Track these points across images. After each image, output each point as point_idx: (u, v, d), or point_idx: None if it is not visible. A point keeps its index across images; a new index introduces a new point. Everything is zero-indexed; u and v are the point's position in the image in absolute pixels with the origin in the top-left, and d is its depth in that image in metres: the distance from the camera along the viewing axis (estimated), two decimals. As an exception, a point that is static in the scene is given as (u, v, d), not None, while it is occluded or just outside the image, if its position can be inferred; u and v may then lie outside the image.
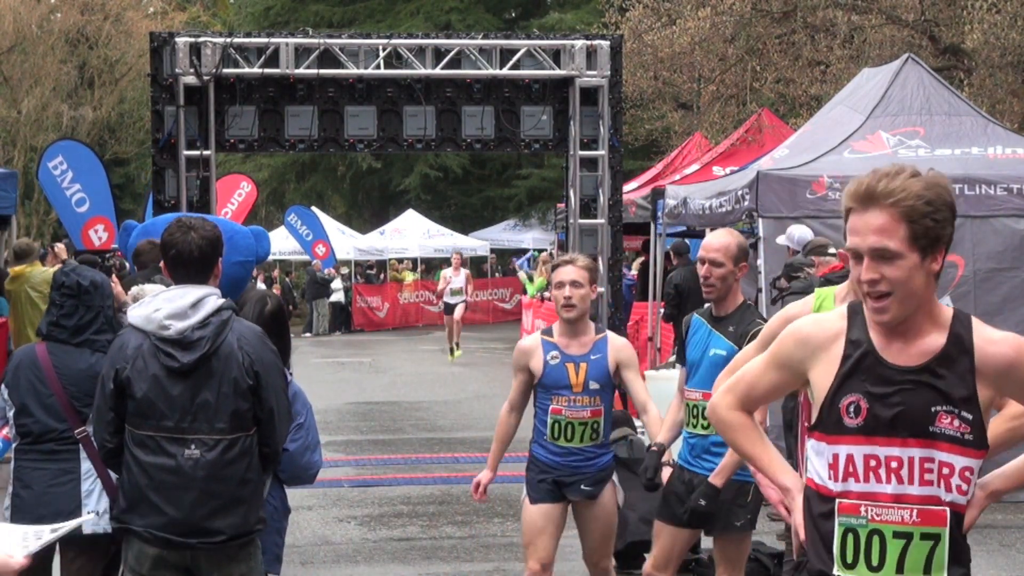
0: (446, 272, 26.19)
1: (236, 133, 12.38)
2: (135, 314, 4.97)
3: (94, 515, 5.75)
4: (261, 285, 32.16)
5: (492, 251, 40.35)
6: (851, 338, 3.33)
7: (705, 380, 6.11)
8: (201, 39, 12.20)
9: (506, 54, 12.44)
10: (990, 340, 3.29)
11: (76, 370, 5.76)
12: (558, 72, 12.37)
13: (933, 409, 3.25)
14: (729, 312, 6.29)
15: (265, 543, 5.27)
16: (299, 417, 5.35)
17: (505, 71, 12.36)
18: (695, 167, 18.18)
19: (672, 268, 16.08)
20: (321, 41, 12.39)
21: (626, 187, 16.56)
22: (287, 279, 38.50)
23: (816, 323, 3.43)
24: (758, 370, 3.57)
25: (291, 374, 5.39)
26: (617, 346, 6.56)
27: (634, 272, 19.63)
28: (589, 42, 12.50)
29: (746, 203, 11.54)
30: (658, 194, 15.19)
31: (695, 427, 6.28)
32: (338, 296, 34.58)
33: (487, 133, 12.54)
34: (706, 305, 6.44)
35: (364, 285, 36.56)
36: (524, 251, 38.39)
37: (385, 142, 12.63)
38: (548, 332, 6.61)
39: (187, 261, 4.97)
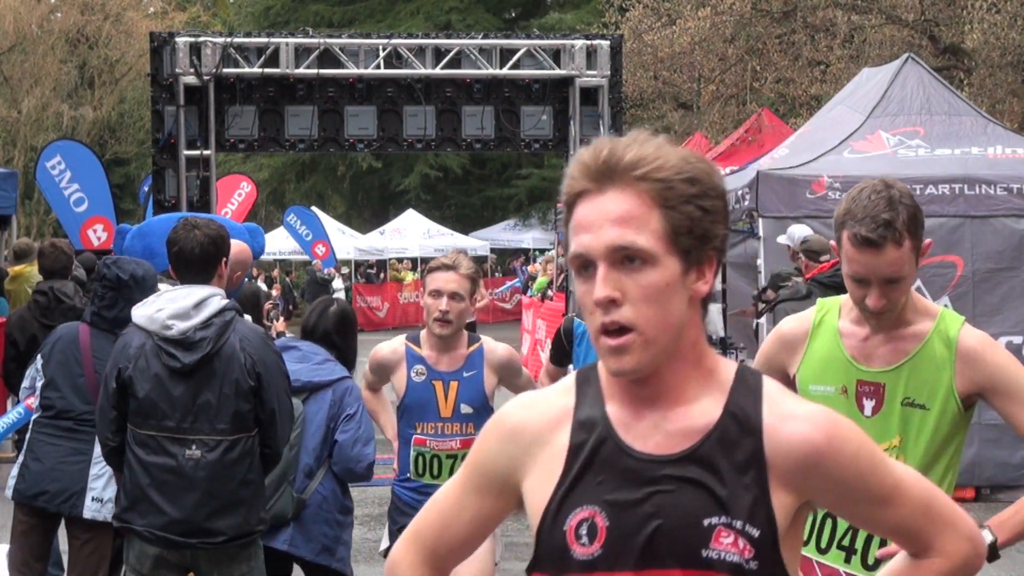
0: None
1: (236, 133, 12.39)
2: (138, 313, 4.98)
3: (97, 503, 5.81)
4: (262, 285, 32.18)
5: (492, 251, 40.36)
6: (580, 419, 2.15)
7: None
8: (201, 39, 12.21)
9: (506, 54, 12.45)
10: (787, 416, 2.11)
11: (107, 353, 5.81)
12: (558, 72, 12.38)
13: (706, 522, 2.06)
14: None
15: (312, 532, 5.31)
16: (349, 408, 5.57)
17: (505, 71, 12.37)
18: (695, 167, 18.13)
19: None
20: (321, 41, 12.40)
21: (626, 187, 16.52)
22: (287, 279, 38.51)
23: (530, 406, 2.24)
24: (449, 500, 2.30)
25: (351, 374, 5.68)
26: (496, 357, 5.52)
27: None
28: (589, 42, 12.50)
29: (746, 203, 11.55)
30: (658, 194, 15.16)
31: None
32: (338, 296, 34.58)
33: (487, 133, 12.55)
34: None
35: (364, 285, 36.58)
36: (524, 251, 38.43)
37: (385, 142, 12.64)
38: (415, 339, 5.52)
39: (189, 259, 4.97)
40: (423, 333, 5.48)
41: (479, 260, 40.16)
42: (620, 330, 2.03)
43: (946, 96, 12.44)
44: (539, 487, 2.15)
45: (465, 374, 5.46)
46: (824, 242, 10.11)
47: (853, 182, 11.62)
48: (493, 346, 5.55)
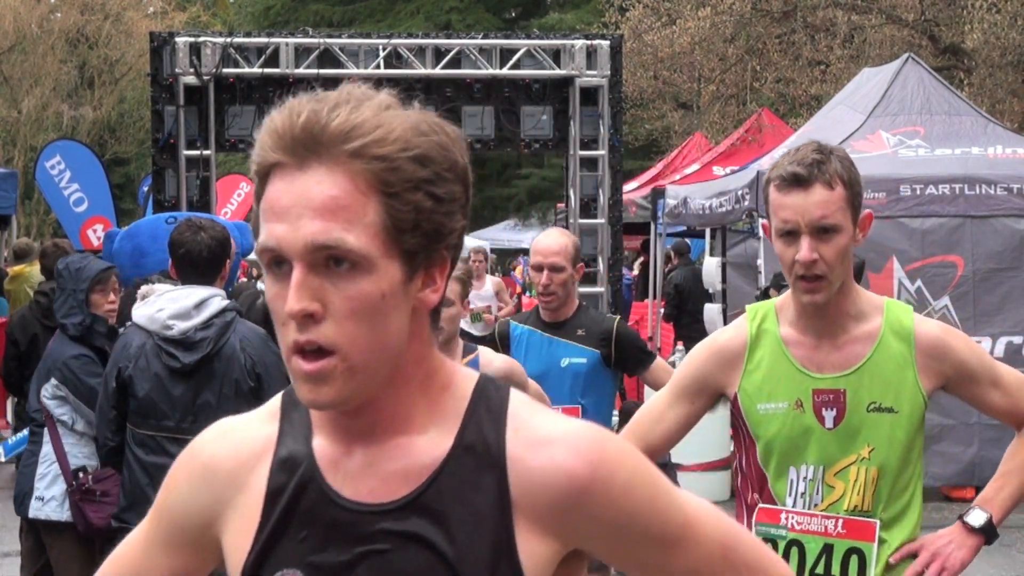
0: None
1: (236, 133, 12.38)
2: (139, 313, 4.98)
3: (39, 501, 5.82)
4: (261, 285, 32.14)
5: (492, 251, 40.33)
6: (281, 456, 1.70)
7: (559, 394, 5.41)
8: (201, 39, 12.21)
9: (506, 54, 12.45)
10: (538, 440, 1.63)
11: (43, 354, 5.93)
12: (558, 72, 12.38)
13: None
14: (569, 316, 5.56)
15: None
16: None
17: (505, 71, 12.37)
18: (695, 167, 18.17)
19: (672, 268, 16.08)
20: (321, 41, 12.40)
21: (626, 187, 16.55)
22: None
23: (225, 436, 1.77)
24: (133, 556, 1.84)
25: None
26: (493, 371, 4.89)
27: (635, 272, 19.63)
28: (589, 42, 12.50)
29: (746, 203, 11.54)
30: (658, 194, 15.19)
31: None
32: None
33: (487, 133, 12.55)
34: (524, 312, 5.77)
35: (364, 285, 36.58)
36: (525, 251, 38.39)
37: (385, 142, 12.64)
38: None
39: (196, 261, 4.97)
40: None
41: (479, 260, 40.13)
42: (318, 352, 1.55)
43: (946, 96, 12.44)
44: (236, 543, 1.69)
45: None
46: None
47: (853, 182, 11.66)
48: (490, 357, 4.98)
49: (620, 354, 5.52)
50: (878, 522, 3.20)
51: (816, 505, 3.22)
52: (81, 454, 5.85)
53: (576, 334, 5.51)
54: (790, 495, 3.23)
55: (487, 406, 1.66)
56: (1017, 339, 11.13)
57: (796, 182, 3.04)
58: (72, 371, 5.81)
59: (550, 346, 5.52)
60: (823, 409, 3.19)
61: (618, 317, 5.78)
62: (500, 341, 5.56)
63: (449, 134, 1.62)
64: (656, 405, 3.33)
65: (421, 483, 1.62)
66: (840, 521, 3.19)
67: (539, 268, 5.46)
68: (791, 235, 3.06)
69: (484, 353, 4.99)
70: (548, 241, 5.51)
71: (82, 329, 5.81)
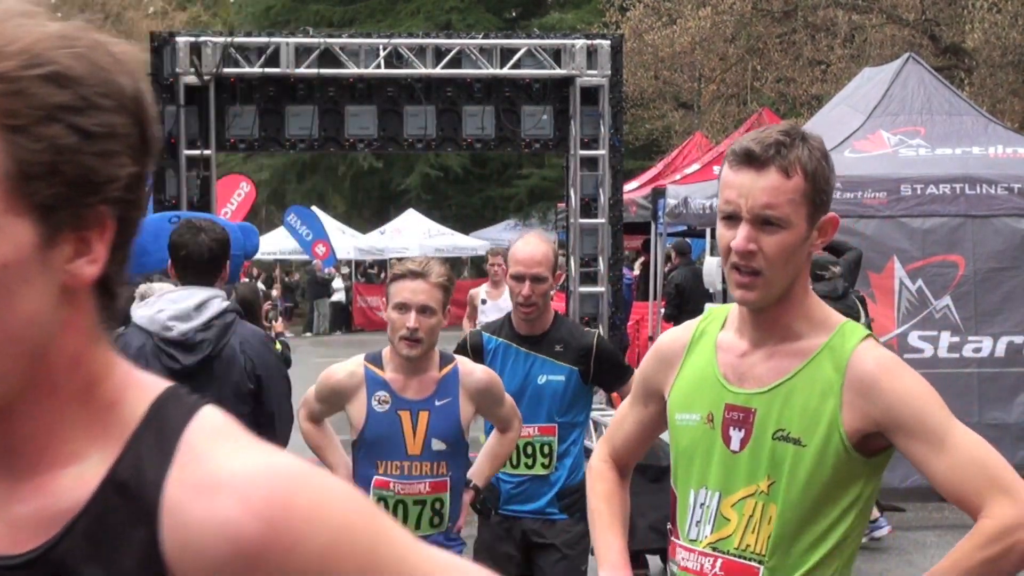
0: (479, 291, 12.95)
1: (236, 133, 12.38)
2: (139, 314, 4.97)
3: None
4: (261, 285, 32.18)
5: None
6: None
7: (535, 413, 5.19)
8: (201, 39, 12.20)
9: (506, 54, 12.44)
10: (205, 485, 1.17)
11: None
12: (558, 72, 12.37)
13: None
14: (546, 329, 5.24)
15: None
16: None
17: (505, 71, 12.36)
18: (696, 167, 18.17)
19: (673, 268, 16.07)
20: (321, 41, 12.39)
21: (626, 187, 16.55)
22: (287, 279, 38.51)
23: None
24: None
25: None
26: (473, 382, 4.60)
27: (636, 272, 19.64)
28: (590, 42, 12.49)
29: (747, 203, 11.54)
30: (659, 194, 15.18)
31: (518, 467, 5.32)
32: (339, 296, 34.61)
33: (487, 133, 12.54)
34: (495, 322, 5.45)
35: (364, 285, 36.58)
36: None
37: (385, 142, 12.63)
38: (375, 360, 4.57)
39: (197, 262, 4.97)
40: (386, 352, 4.53)
41: (479, 260, 40.18)
42: None
43: (947, 96, 12.44)
44: None
45: (437, 402, 4.50)
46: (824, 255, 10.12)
47: (854, 182, 11.73)
48: (470, 368, 4.63)
49: (599, 370, 5.27)
50: (761, 569, 2.70)
51: (704, 537, 2.77)
52: None
53: (554, 349, 5.20)
54: (687, 522, 2.81)
55: (159, 430, 1.21)
56: (1018, 339, 11.12)
57: (748, 160, 2.61)
58: None
59: (527, 361, 5.21)
60: (731, 428, 2.74)
61: (597, 332, 5.49)
62: (473, 354, 5.11)
63: (113, 51, 1.19)
64: (621, 408, 3.14)
65: (55, 533, 1.18)
66: (719, 561, 2.75)
67: (520, 278, 5.10)
68: (732, 219, 2.63)
69: (463, 363, 4.62)
70: (529, 250, 5.14)
71: None
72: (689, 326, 2.92)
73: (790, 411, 2.68)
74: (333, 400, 4.62)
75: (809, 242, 2.65)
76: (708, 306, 13.80)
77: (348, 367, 4.58)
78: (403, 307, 4.42)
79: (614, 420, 3.13)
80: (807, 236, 2.64)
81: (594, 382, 5.35)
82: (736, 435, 2.74)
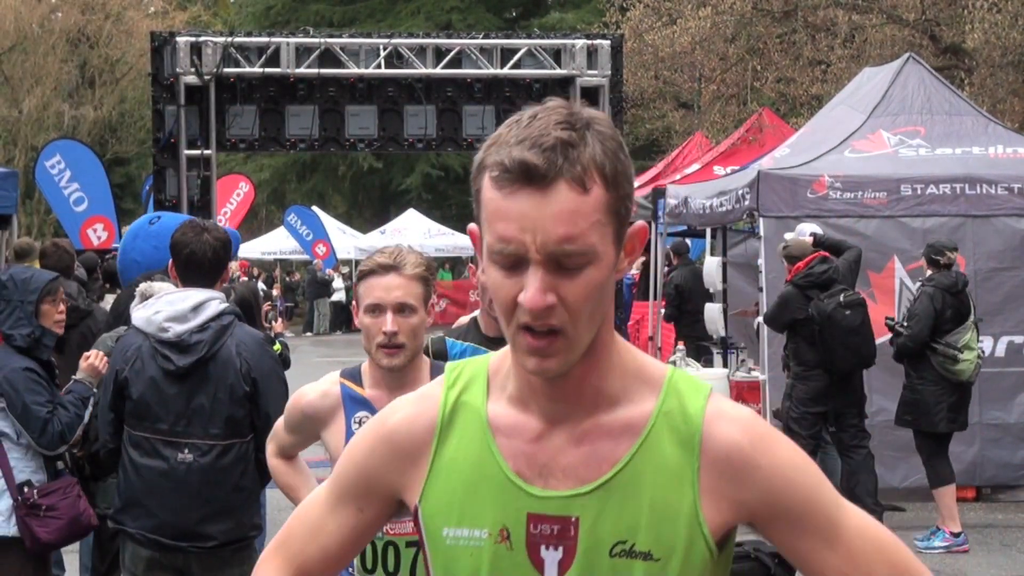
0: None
1: (237, 133, 12.38)
2: (138, 315, 4.97)
3: None
4: (261, 285, 32.20)
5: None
6: None
7: None
8: (202, 39, 12.21)
9: (507, 54, 12.45)
10: None
11: None
12: (559, 71, 12.37)
13: None
14: None
15: None
16: None
17: (506, 70, 12.36)
18: (696, 167, 18.17)
19: (672, 268, 16.07)
20: (322, 41, 12.40)
21: (627, 187, 16.53)
22: (287, 279, 38.50)
23: None
24: None
25: None
26: None
27: (635, 272, 19.64)
28: (590, 42, 12.50)
29: (747, 203, 11.54)
30: (659, 193, 15.18)
31: None
32: (339, 296, 34.62)
33: (488, 132, 12.50)
34: (460, 326, 4.94)
35: (365, 285, 36.58)
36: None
37: (386, 141, 12.64)
38: (353, 375, 3.81)
39: (200, 263, 4.95)
40: (365, 365, 3.82)
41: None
42: None
43: (947, 96, 12.44)
44: None
45: None
46: (804, 244, 10.13)
47: (854, 182, 11.71)
48: None
49: None
50: None
51: None
52: (27, 468, 5.70)
53: None
54: None
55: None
56: (1018, 339, 11.13)
57: (527, 177, 1.78)
58: (12, 384, 5.65)
59: None
60: (542, 548, 1.90)
61: None
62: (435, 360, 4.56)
63: None
64: (314, 505, 2.11)
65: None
66: None
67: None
68: (513, 261, 1.80)
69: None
70: None
71: (30, 341, 5.69)
72: (431, 397, 2.01)
73: (631, 515, 1.87)
74: (305, 427, 3.87)
75: (616, 269, 1.85)
76: (708, 306, 13.84)
77: (320, 386, 3.82)
78: (376, 309, 3.67)
79: (299, 520, 2.11)
80: (615, 263, 1.84)
81: None
82: (551, 556, 1.91)
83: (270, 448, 4.08)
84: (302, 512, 2.11)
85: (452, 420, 1.97)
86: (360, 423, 3.68)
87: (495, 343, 4.47)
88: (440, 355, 4.58)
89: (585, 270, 1.80)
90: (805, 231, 10.37)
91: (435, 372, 3.75)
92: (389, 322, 3.63)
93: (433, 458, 1.97)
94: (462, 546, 1.94)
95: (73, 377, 5.84)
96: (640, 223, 1.89)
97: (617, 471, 1.88)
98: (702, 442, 1.88)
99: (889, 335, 9.87)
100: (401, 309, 3.66)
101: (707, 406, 1.90)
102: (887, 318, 9.91)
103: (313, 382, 3.85)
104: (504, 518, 1.91)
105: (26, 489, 5.64)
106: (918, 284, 10.05)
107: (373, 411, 3.59)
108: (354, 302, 3.82)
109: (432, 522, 1.97)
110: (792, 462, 1.90)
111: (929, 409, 9.45)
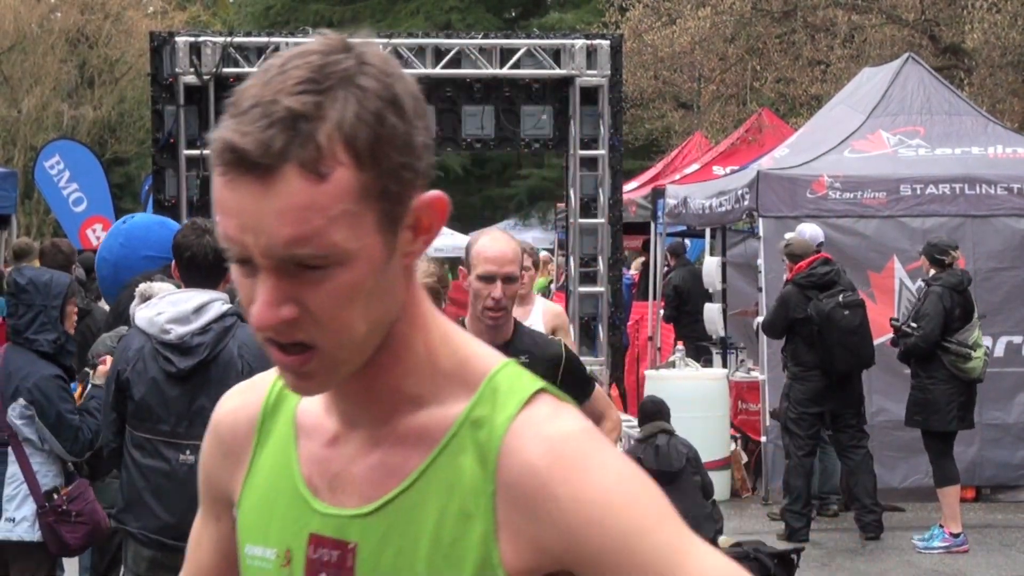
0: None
1: (236, 133, 12.39)
2: (140, 316, 4.97)
3: (9, 523, 5.67)
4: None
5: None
6: None
7: None
8: (201, 38, 12.20)
9: (506, 53, 12.44)
10: None
11: (6, 371, 5.71)
12: (558, 72, 12.37)
13: None
14: (508, 338, 4.59)
15: None
16: None
17: (505, 71, 12.36)
18: (695, 167, 18.16)
19: (670, 269, 16.07)
20: (321, 41, 12.40)
21: (626, 187, 16.54)
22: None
23: None
24: None
25: None
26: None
27: (635, 272, 19.64)
28: (589, 41, 12.49)
29: (746, 203, 11.54)
30: (658, 194, 15.18)
31: None
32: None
33: (487, 133, 12.54)
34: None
35: (364, 285, 36.61)
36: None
37: (385, 142, 12.64)
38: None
39: (201, 265, 4.95)
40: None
41: (479, 260, 40.14)
42: None
43: (946, 96, 12.44)
44: None
45: None
46: (805, 244, 10.13)
47: (854, 182, 11.72)
48: None
49: (565, 384, 4.38)
50: None
51: None
52: (50, 473, 5.71)
53: (520, 361, 4.47)
54: None
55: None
56: (1017, 338, 11.13)
57: (241, 164, 1.39)
58: (45, 393, 5.65)
59: None
60: (319, 574, 1.51)
61: (560, 339, 4.91)
62: None
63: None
64: (197, 516, 1.79)
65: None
66: None
67: (490, 279, 4.48)
68: (244, 263, 1.42)
69: None
70: (500, 247, 4.58)
71: (56, 347, 5.68)
72: (259, 386, 1.69)
73: (409, 548, 1.46)
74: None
75: (400, 254, 1.43)
76: (708, 306, 13.82)
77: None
78: None
79: (190, 538, 1.81)
80: (389, 252, 1.40)
81: None
82: None
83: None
84: (194, 527, 1.79)
85: (274, 414, 1.62)
86: None
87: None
88: None
89: (332, 273, 1.38)
90: (805, 232, 10.38)
91: None
92: None
93: (252, 459, 1.61)
94: (256, 567, 1.57)
95: (91, 383, 5.81)
96: (434, 193, 1.47)
97: (402, 489, 1.46)
98: (499, 461, 1.42)
99: (888, 335, 9.86)
100: None
101: (518, 414, 1.43)
102: (892, 319, 9.88)
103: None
104: (290, 537, 1.53)
105: (56, 496, 5.65)
106: (919, 284, 10.04)
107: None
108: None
109: (241, 539, 1.61)
110: (605, 499, 1.38)
111: (940, 408, 9.44)
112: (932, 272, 9.65)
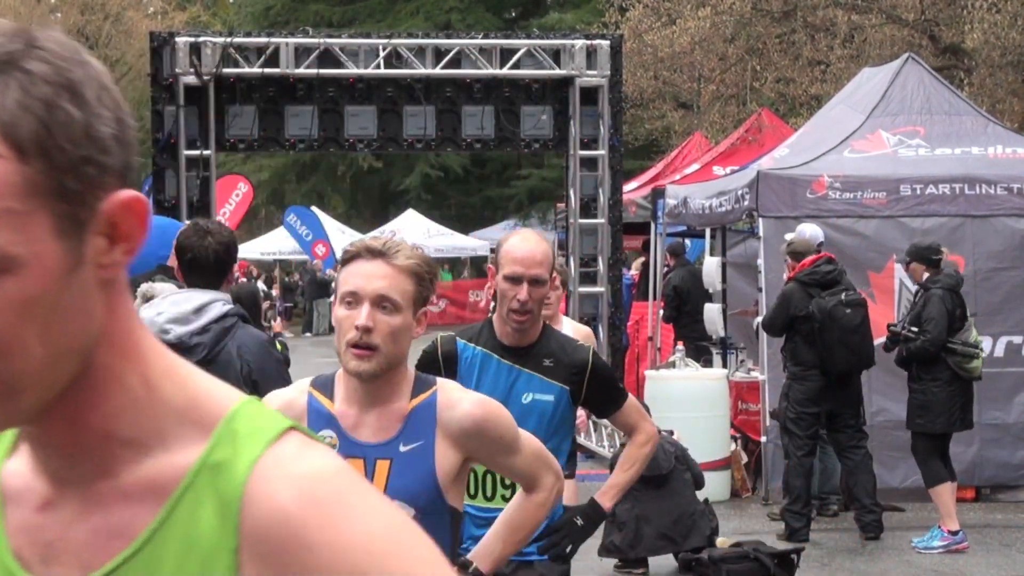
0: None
1: (236, 133, 12.38)
2: (141, 315, 4.98)
3: None
4: (262, 285, 32.21)
5: (492, 251, 40.26)
6: None
7: None
8: (201, 39, 12.21)
9: (506, 54, 12.45)
10: None
11: None
12: (558, 72, 12.37)
13: None
14: (534, 341, 4.39)
15: None
16: None
17: (505, 71, 12.37)
18: (695, 167, 18.16)
19: (670, 270, 16.07)
20: (321, 41, 12.40)
21: (626, 187, 16.55)
22: (287, 279, 38.51)
23: None
24: None
25: None
26: (456, 418, 3.16)
27: (635, 272, 19.64)
28: (589, 42, 12.50)
29: (746, 203, 11.54)
30: (658, 194, 15.18)
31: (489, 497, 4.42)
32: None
33: (487, 133, 12.55)
34: (472, 327, 4.53)
35: (364, 285, 36.62)
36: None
37: (385, 142, 12.64)
38: (324, 385, 3.27)
39: (204, 266, 4.95)
40: (339, 373, 3.24)
41: (479, 260, 40.21)
42: None
43: (946, 96, 12.44)
44: None
45: (403, 447, 3.11)
46: (808, 243, 10.13)
47: (854, 182, 11.72)
48: (454, 397, 3.17)
49: (592, 392, 4.45)
50: None
51: None
52: None
53: (543, 364, 4.36)
54: None
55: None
56: (1017, 339, 11.13)
57: None
58: None
59: (509, 376, 4.34)
60: None
61: (592, 347, 4.63)
62: (445, 364, 4.28)
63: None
64: None
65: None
66: None
67: (516, 280, 4.27)
68: None
69: (446, 390, 3.20)
70: (529, 247, 4.35)
71: None
72: None
73: None
74: None
75: (93, 266, 1.20)
76: (708, 307, 13.81)
77: (287, 394, 3.29)
78: (353, 299, 3.11)
79: None
80: (74, 262, 1.18)
81: (585, 405, 4.59)
82: None
83: None
84: None
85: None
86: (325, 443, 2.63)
87: (511, 353, 4.31)
88: (449, 355, 4.31)
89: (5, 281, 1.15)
90: (805, 232, 10.38)
91: (418, 389, 3.15)
92: (364, 315, 3.06)
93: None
94: None
95: None
96: (130, 193, 1.21)
97: (131, 553, 1.22)
98: (241, 510, 1.20)
99: (884, 336, 9.84)
100: (381, 303, 3.07)
101: (263, 455, 1.20)
102: (890, 325, 9.84)
103: (283, 388, 3.39)
104: None
105: None
106: (916, 287, 10.01)
107: (340, 431, 3.11)
108: (333, 294, 3.16)
109: None
110: (370, 546, 1.17)
111: (944, 409, 9.44)
112: (926, 275, 9.64)
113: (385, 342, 3.07)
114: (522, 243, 4.38)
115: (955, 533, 9.35)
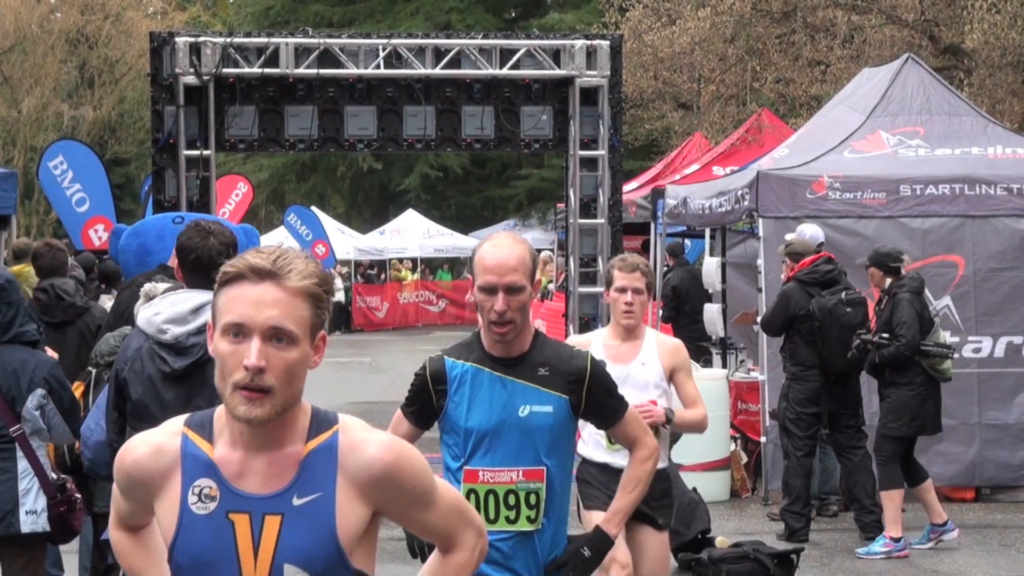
0: (596, 340, 6.87)
1: (236, 133, 12.38)
2: (141, 316, 4.99)
3: (32, 515, 5.78)
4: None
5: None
6: None
7: (519, 453, 4.13)
8: (201, 39, 12.20)
9: (506, 54, 12.45)
10: None
11: (9, 368, 5.78)
12: (558, 72, 12.37)
13: None
14: (526, 350, 4.16)
15: None
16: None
17: (505, 71, 12.37)
18: (695, 167, 18.16)
19: (669, 269, 16.07)
20: (321, 41, 12.39)
21: (626, 187, 16.55)
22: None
23: None
24: None
25: None
26: (362, 464, 2.60)
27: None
28: (589, 42, 12.50)
29: (746, 203, 11.54)
30: (658, 194, 15.19)
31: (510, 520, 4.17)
32: (338, 296, 34.63)
33: (487, 133, 12.54)
34: (460, 343, 4.31)
35: (364, 285, 36.58)
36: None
37: (385, 142, 12.63)
38: (201, 425, 2.70)
39: (206, 267, 4.95)
40: (219, 412, 2.69)
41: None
42: None
43: (946, 96, 12.44)
44: None
45: (296, 500, 2.58)
46: (807, 244, 10.13)
47: (853, 182, 11.72)
48: (358, 439, 2.61)
49: (591, 402, 4.19)
50: None
51: None
52: (47, 464, 5.90)
53: (537, 374, 4.13)
54: None
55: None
56: (1017, 339, 11.13)
57: None
58: (58, 379, 5.84)
59: (504, 389, 4.12)
60: None
61: (589, 352, 4.31)
62: (433, 383, 4.17)
63: None
64: None
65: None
66: None
67: (491, 290, 4.02)
68: None
69: (350, 431, 2.61)
70: (501, 253, 4.05)
71: (39, 334, 5.93)
72: None
73: None
74: (136, 494, 2.71)
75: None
76: (707, 307, 13.81)
77: (155, 437, 2.67)
78: (238, 330, 2.56)
79: None
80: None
81: (586, 416, 4.27)
82: None
83: (112, 517, 2.90)
84: None
85: None
86: (201, 495, 2.57)
87: (502, 364, 4.09)
88: (437, 374, 4.15)
89: None
90: (805, 232, 10.38)
91: (316, 429, 2.60)
92: (254, 352, 2.51)
93: None
94: None
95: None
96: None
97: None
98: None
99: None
100: (275, 336, 2.53)
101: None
102: (859, 334, 9.64)
103: (152, 429, 2.73)
104: None
105: (68, 486, 5.86)
106: (881, 294, 9.89)
107: (221, 481, 2.58)
108: (209, 321, 2.69)
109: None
110: None
111: (917, 413, 9.40)
112: (888, 281, 9.59)
113: (280, 382, 2.52)
114: (493, 250, 4.07)
115: (897, 540, 9.30)
